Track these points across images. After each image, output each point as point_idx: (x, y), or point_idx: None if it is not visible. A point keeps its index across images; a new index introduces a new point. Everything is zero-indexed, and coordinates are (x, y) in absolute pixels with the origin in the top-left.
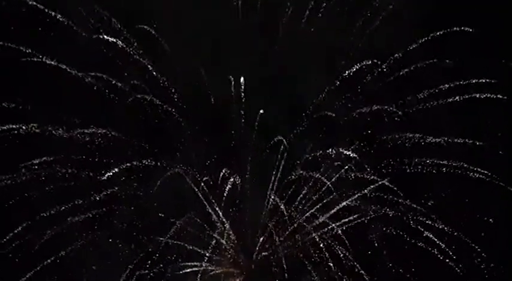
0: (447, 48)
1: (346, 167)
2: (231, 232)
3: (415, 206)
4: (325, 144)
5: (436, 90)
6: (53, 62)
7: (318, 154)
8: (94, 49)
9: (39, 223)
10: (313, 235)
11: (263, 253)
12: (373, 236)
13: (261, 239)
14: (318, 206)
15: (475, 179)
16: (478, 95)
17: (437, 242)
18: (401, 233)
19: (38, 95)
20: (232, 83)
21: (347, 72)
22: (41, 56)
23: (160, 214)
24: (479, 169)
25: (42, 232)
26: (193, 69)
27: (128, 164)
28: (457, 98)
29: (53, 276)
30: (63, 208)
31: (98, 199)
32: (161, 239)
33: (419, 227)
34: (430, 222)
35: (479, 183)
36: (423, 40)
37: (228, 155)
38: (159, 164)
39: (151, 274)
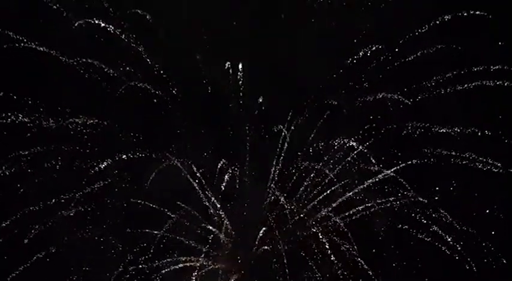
0: (457, 33)
1: (349, 158)
2: (229, 226)
3: (421, 199)
4: (327, 134)
5: (445, 78)
6: (42, 49)
7: (320, 144)
8: (85, 35)
9: (29, 217)
10: (315, 229)
11: (263, 248)
12: (377, 230)
13: (261, 233)
14: (319, 198)
15: (486, 171)
16: (487, 82)
17: (445, 237)
18: (406, 227)
19: (26, 84)
20: (230, 70)
21: (350, 58)
22: (29, 42)
23: (155, 207)
24: (490, 161)
25: (31, 226)
26: (190, 56)
27: (123, 156)
28: (467, 85)
29: (43, 272)
30: (53, 200)
31: (90, 191)
32: (156, 232)
33: (425, 221)
34: (436, 215)
35: (489, 175)
36: (431, 24)
37: (226, 146)
38: (153, 156)
39: (146, 270)
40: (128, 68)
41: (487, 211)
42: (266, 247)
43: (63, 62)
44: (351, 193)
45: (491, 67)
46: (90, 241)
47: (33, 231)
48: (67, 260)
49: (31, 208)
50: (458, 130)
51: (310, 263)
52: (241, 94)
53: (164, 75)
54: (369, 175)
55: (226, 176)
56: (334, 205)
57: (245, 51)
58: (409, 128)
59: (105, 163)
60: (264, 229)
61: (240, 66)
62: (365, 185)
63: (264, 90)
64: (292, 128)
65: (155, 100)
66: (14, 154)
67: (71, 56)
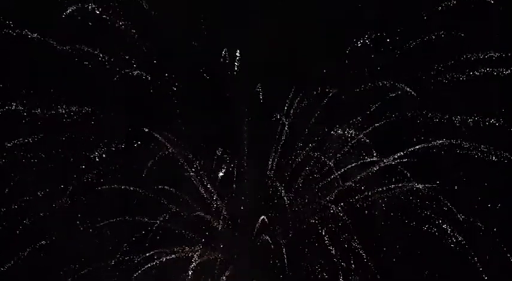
0: (461, 19)
1: (349, 146)
2: (226, 215)
3: (421, 188)
4: (328, 122)
5: (447, 65)
6: (35, 35)
7: (320, 133)
8: (78, 21)
9: (20, 208)
10: (313, 220)
11: (261, 237)
12: (378, 220)
13: (259, 221)
14: (319, 187)
15: (495, 162)
16: (490, 70)
17: (448, 229)
18: (406, 219)
19: (16, 71)
20: (227, 57)
21: (351, 46)
22: (21, 30)
23: (151, 196)
24: (492, 150)
25: (22, 218)
26: (186, 43)
27: (119, 145)
28: (471, 73)
29: (37, 264)
30: (47, 190)
31: (84, 180)
32: (152, 221)
33: (427, 212)
34: (435, 205)
35: (498, 166)
36: (434, 10)
37: (224, 135)
38: (151, 145)
39: (140, 260)
40: (122, 55)
41: (494, 202)
42: (264, 236)
43: (57, 49)
44: (350, 183)
45: (495, 54)
46: (84, 232)
47: (25, 221)
48: (61, 250)
49: (25, 198)
50: (459, 118)
51: (309, 255)
52: (239, 82)
53: (161, 62)
54: (370, 163)
55: (223, 165)
56: (333, 194)
57: (244, 37)
58: (412, 116)
59: (97, 153)
60: (262, 218)
61: (238, 52)
62: (364, 175)
63: (262, 78)
64: (291, 116)
65: (151, 88)
66: (7, 144)
67: (63, 43)
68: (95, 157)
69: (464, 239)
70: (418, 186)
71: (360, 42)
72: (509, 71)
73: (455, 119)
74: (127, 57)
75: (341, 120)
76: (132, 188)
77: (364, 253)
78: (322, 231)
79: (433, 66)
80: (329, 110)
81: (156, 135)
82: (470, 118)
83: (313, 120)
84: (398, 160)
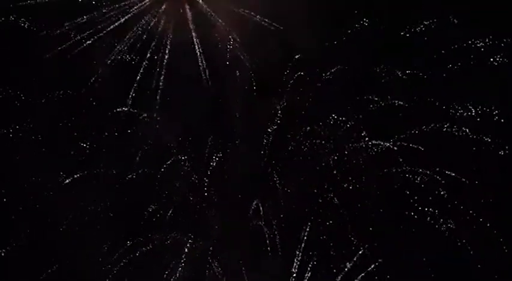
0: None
1: (342, 130)
2: (220, 201)
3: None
4: (322, 106)
5: (442, 52)
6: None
7: (314, 117)
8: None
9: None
10: (306, 209)
11: (254, 223)
12: (373, 208)
13: (252, 207)
14: (312, 172)
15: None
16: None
17: (441, 217)
18: (400, 206)
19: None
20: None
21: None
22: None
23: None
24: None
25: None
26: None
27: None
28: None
29: (31, 248)
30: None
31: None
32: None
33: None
34: (430, 195)
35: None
36: None
37: (217, 119)
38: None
39: (132, 245)
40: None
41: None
42: (257, 221)
43: (46, 34)
44: (344, 168)
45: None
46: (78, 219)
47: (20, 208)
48: (55, 239)
49: (19, 184)
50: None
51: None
52: (232, 62)
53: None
54: (364, 148)
55: (216, 150)
56: (326, 183)
57: (239, 21)
58: (407, 102)
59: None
60: (255, 202)
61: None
62: (358, 159)
63: (257, 62)
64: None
65: (141, 71)
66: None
67: (52, 29)
68: (86, 143)
69: (456, 225)
70: (413, 170)
71: (355, 28)
72: (505, 59)
73: (450, 107)
74: (116, 43)
75: (336, 104)
76: (124, 174)
77: (357, 240)
78: (314, 217)
79: (428, 53)
80: (324, 94)
81: (148, 120)
82: (466, 106)
83: (308, 106)
84: (391, 146)
